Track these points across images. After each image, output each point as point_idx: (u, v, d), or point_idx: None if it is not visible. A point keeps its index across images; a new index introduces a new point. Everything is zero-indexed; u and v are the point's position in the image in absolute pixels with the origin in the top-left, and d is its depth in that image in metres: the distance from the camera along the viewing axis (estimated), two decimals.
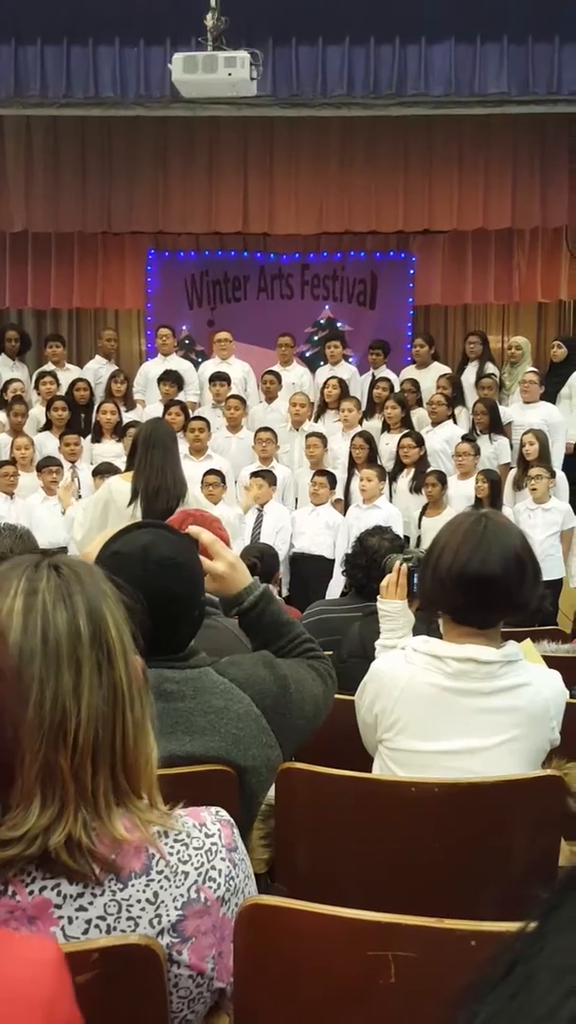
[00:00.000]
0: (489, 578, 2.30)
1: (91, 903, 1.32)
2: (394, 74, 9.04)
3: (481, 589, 2.32)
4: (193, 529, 2.37)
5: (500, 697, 2.34)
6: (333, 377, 9.52)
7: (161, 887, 1.36)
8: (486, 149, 10.45)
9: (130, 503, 4.51)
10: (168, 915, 1.36)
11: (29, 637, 1.32)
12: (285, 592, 7.50)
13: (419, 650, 2.41)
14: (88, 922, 1.32)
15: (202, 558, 2.26)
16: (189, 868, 1.39)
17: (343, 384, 9.39)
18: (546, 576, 7.12)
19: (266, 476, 7.95)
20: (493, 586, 2.32)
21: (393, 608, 3.03)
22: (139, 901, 1.34)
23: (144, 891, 1.35)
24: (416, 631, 2.96)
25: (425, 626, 2.99)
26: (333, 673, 2.37)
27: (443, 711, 2.34)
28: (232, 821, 1.51)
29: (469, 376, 9.70)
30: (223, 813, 1.51)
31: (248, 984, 1.40)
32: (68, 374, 10.01)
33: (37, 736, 1.29)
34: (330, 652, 3.67)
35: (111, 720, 1.34)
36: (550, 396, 9.12)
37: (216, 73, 7.67)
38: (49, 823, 1.28)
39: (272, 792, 2.35)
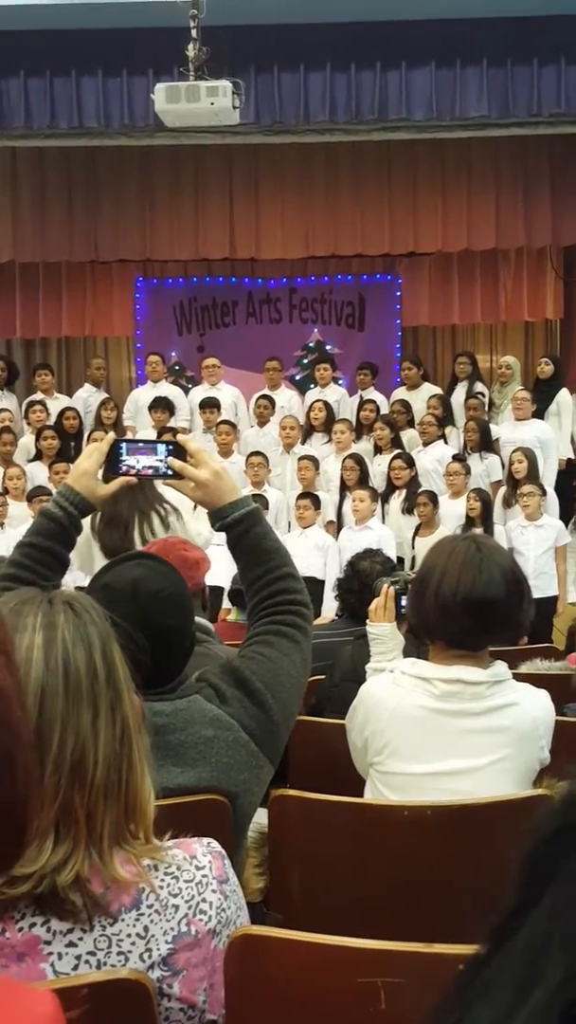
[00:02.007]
0: (493, 601, 2.32)
1: (81, 939, 1.32)
2: (376, 100, 9.12)
3: (486, 613, 2.33)
4: (181, 437, 2.38)
5: (489, 717, 2.34)
6: (319, 400, 9.55)
7: (151, 921, 1.36)
8: (469, 172, 10.54)
9: (92, 532, 4.45)
10: (159, 949, 1.36)
11: (51, 674, 1.32)
12: None
13: (407, 672, 2.41)
14: (78, 957, 1.32)
15: (186, 466, 2.26)
16: (179, 901, 1.39)
17: (329, 407, 9.42)
18: (540, 593, 7.23)
19: (258, 501, 7.95)
20: (497, 608, 2.33)
21: (382, 631, 3.04)
22: (129, 935, 1.34)
23: (134, 925, 1.35)
24: (407, 653, 2.97)
25: (416, 648, 3.00)
26: (308, 622, 2.27)
27: (432, 733, 2.35)
28: (223, 852, 1.50)
29: (459, 396, 9.74)
30: (214, 845, 1.50)
31: (240, 1015, 1.40)
32: (57, 403, 10.03)
33: (57, 775, 1.29)
34: (323, 676, 3.68)
35: (120, 759, 1.34)
36: (538, 413, 9.16)
37: (199, 102, 7.72)
38: (60, 862, 1.29)
39: (265, 819, 2.35)
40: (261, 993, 1.42)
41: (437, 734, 2.34)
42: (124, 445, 2.32)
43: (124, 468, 2.31)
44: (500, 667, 2.40)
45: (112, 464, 2.31)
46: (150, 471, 2.31)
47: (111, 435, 2.45)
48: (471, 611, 2.32)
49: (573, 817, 0.61)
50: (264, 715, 2.16)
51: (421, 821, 2.17)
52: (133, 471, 2.31)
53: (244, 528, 2.26)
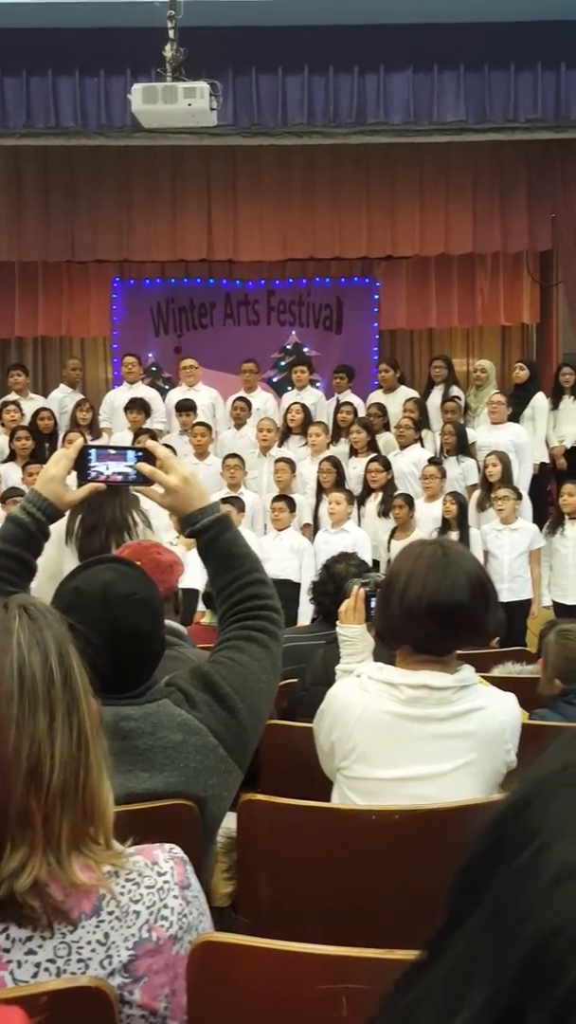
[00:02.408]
0: (458, 606, 2.31)
1: (40, 946, 1.31)
2: (354, 103, 9.14)
3: (451, 618, 2.32)
4: (150, 443, 2.37)
5: (455, 722, 2.34)
6: (296, 403, 9.55)
7: (112, 928, 1.35)
8: (446, 176, 10.57)
9: (67, 541, 4.42)
10: (119, 955, 1.35)
11: (6, 679, 1.31)
12: None
13: (374, 677, 2.41)
14: (37, 965, 1.31)
15: (156, 471, 2.25)
16: (140, 907, 1.38)
17: (306, 409, 9.43)
18: (515, 597, 7.27)
19: (234, 503, 7.95)
20: (462, 614, 2.32)
21: (352, 633, 3.04)
22: (89, 942, 1.33)
23: (94, 932, 1.34)
24: (378, 655, 2.96)
25: (387, 651, 2.99)
26: (279, 627, 2.27)
27: (399, 738, 2.34)
28: (185, 858, 1.50)
29: (435, 399, 9.77)
30: (176, 850, 1.50)
31: (201, 1021, 1.39)
32: (32, 403, 9.99)
33: (14, 780, 1.28)
34: (295, 680, 3.68)
35: (77, 763, 1.33)
36: (513, 417, 9.19)
37: (176, 103, 7.71)
38: (17, 867, 1.28)
39: (234, 824, 2.34)
40: (223, 1000, 1.41)
41: (403, 739, 2.34)
42: (93, 451, 2.31)
43: (93, 474, 2.30)
44: (467, 672, 2.40)
45: (81, 470, 2.30)
46: (119, 477, 2.30)
47: (79, 441, 2.46)
48: (436, 616, 2.31)
49: (503, 833, 0.61)
50: (233, 720, 2.15)
51: (389, 825, 2.17)
52: (102, 477, 2.30)
53: (213, 534, 2.25)
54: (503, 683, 3.29)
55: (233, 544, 2.27)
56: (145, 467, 2.25)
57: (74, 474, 2.33)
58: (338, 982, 1.31)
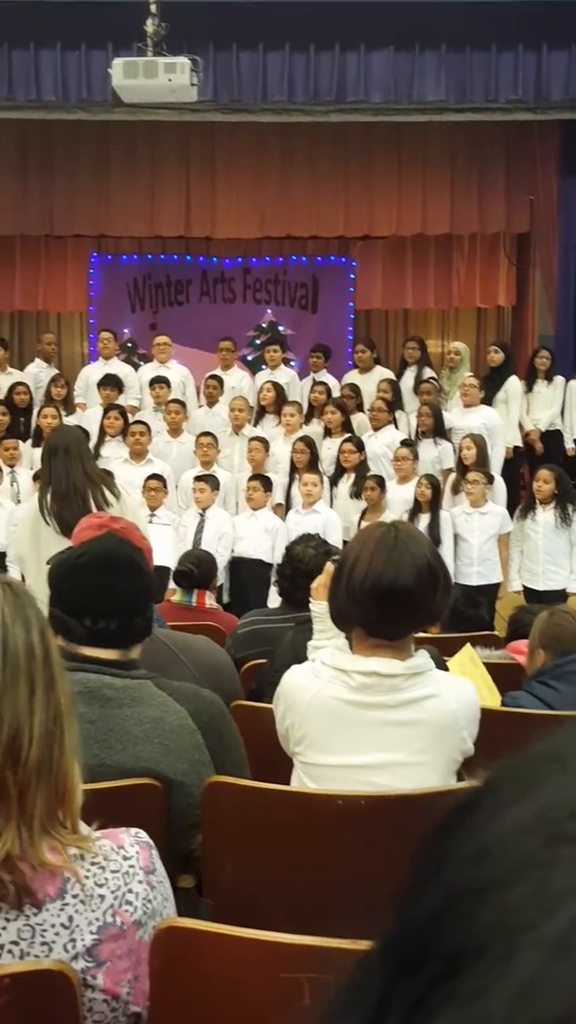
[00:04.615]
0: (402, 590, 2.27)
1: (4, 928, 1.32)
2: (334, 81, 9.09)
3: (394, 601, 2.28)
4: None
5: (405, 710, 2.31)
6: (268, 381, 9.53)
7: (76, 911, 1.36)
8: (424, 156, 10.56)
9: (42, 516, 4.42)
10: (83, 939, 1.36)
11: None
12: (226, 599, 7.48)
13: (326, 663, 2.40)
14: (0, 947, 1.32)
15: None
16: (105, 891, 1.39)
17: (279, 388, 9.39)
18: (483, 581, 7.31)
19: (208, 481, 7.94)
20: (406, 598, 2.28)
21: (323, 609, 3.04)
22: (53, 926, 1.35)
23: (59, 915, 1.35)
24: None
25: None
26: None
27: (349, 725, 2.33)
28: (151, 843, 1.51)
29: (408, 381, 9.76)
30: (142, 835, 1.51)
31: (163, 1007, 1.41)
32: (9, 377, 9.92)
33: None
34: (263, 661, 3.69)
35: (52, 739, 1.34)
36: (487, 400, 9.20)
37: (156, 79, 7.66)
38: None
39: None
40: (185, 985, 1.42)
41: (353, 726, 2.33)
42: None
43: None
44: (420, 658, 2.37)
45: None
46: None
47: None
48: (377, 599, 2.28)
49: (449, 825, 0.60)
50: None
51: (354, 811, 2.18)
52: None
53: None
54: None
55: None
56: None
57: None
58: (302, 971, 1.33)
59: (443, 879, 0.53)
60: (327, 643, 2.79)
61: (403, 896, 0.58)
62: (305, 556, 3.85)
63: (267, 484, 7.96)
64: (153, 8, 7.94)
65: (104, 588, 2.24)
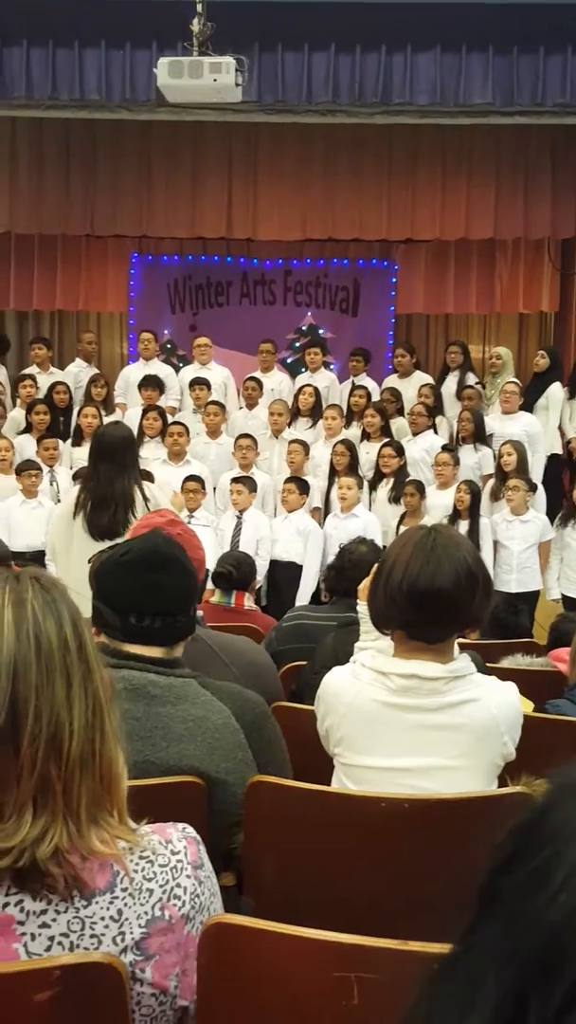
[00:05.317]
0: (439, 593, 2.26)
1: (54, 920, 1.32)
2: (379, 83, 9.05)
3: (431, 604, 2.28)
4: None
5: (445, 714, 2.30)
6: (308, 385, 9.51)
7: (125, 904, 1.36)
8: (469, 159, 10.50)
9: (75, 514, 4.43)
10: (132, 933, 1.36)
11: (23, 648, 1.32)
12: (264, 601, 7.48)
13: (366, 665, 2.39)
14: (51, 939, 1.31)
15: None
16: (154, 886, 1.39)
17: (317, 392, 9.38)
18: (523, 588, 7.25)
19: (246, 483, 7.94)
20: (444, 601, 2.28)
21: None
22: (103, 919, 1.34)
23: (108, 908, 1.35)
24: None
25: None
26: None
27: (388, 728, 2.32)
28: (199, 838, 1.50)
29: (450, 386, 9.73)
30: (190, 830, 1.50)
31: (211, 1002, 1.40)
32: (50, 377, 9.98)
33: (34, 747, 1.29)
34: (303, 663, 3.68)
35: (94, 730, 1.34)
36: (528, 406, 9.15)
37: (201, 78, 7.66)
38: (39, 835, 1.28)
39: None
40: (233, 981, 1.42)
41: (393, 729, 2.32)
42: None
43: None
44: (462, 662, 2.36)
45: None
46: None
47: None
48: (415, 601, 2.28)
49: (520, 841, 0.61)
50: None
51: (398, 813, 2.17)
52: None
53: None
54: (512, 675, 3.27)
55: None
56: None
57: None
58: (350, 970, 1.32)
59: (573, 887, 0.53)
60: (372, 644, 2.78)
61: (511, 903, 0.58)
62: (357, 551, 3.88)
63: (303, 487, 7.96)
64: (199, 8, 7.94)
65: (148, 586, 2.24)
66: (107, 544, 3.67)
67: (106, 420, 8.89)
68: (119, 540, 3.26)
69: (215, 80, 7.67)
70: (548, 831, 0.59)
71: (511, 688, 2.42)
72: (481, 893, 0.61)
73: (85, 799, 1.32)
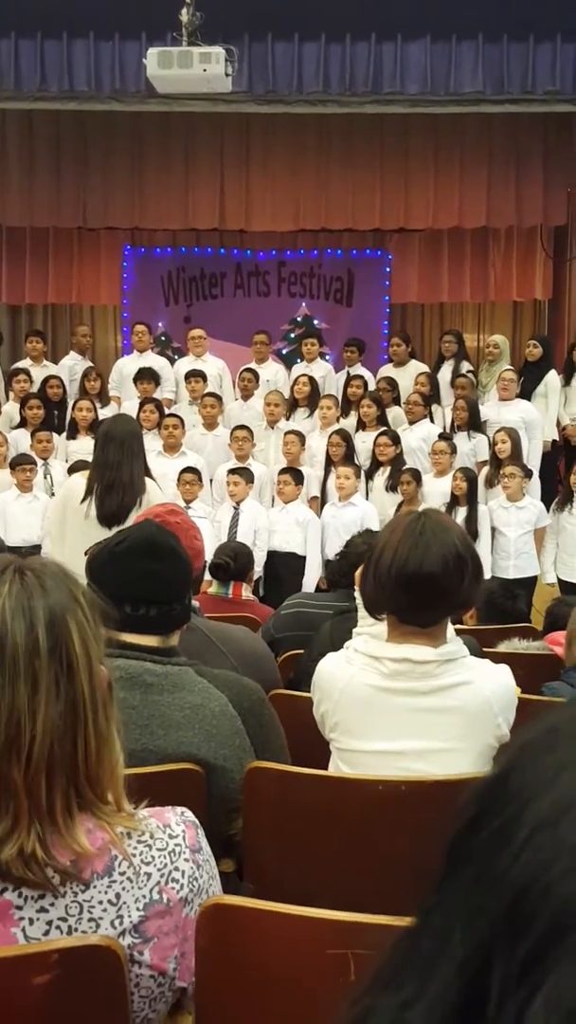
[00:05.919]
0: (428, 577, 2.27)
1: (52, 904, 1.32)
2: (370, 72, 9.03)
3: (420, 588, 2.29)
4: None
5: (438, 696, 2.31)
6: (304, 375, 9.51)
7: (123, 888, 1.36)
8: (461, 148, 10.49)
9: (84, 499, 4.47)
10: (130, 916, 1.36)
11: None
12: (262, 592, 7.49)
13: (359, 650, 2.40)
14: (49, 923, 1.32)
15: None
16: (152, 869, 1.39)
17: (313, 382, 9.38)
18: (520, 574, 7.27)
19: (243, 474, 7.94)
20: (432, 584, 2.29)
21: None
22: (101, 902, 1.34)
23: (106, 892, 1.35)
24: None
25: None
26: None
27: (382, 712, 2.33)
28: (197, 822, 1.51)
29: (445, 374, 9.73)
30: (188, 814, 1.51)
31: (210, 983, 1.41)
32: (44, 370, 9.96)
33: None
34: (301, 652, 3.68)
35: (71, 734, 1.31)
36: (525, 394, 9.15)
37: (191, 69, 7.66)
38: (3, 836, 1.28)
39: None
40: (231, 962, 1.42)
41: (386, 713, 2.33)
42: None
43: None
44: (454, 645, 2.37)
45: None
46: None
47: None
48: (403, 585, 2.29)
49: (484, 802, 0.62)
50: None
51: (394, 796, 2.18)
52: None
53: None
54: (509, 659, 3.28)
55: None
56: None
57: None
58: (347, 947, 1.32)
59: (535, 844, 0.54)
60: (368, 630, 2.79)
61: (476, 861, 0.59)
62: (359, 546, 3.89)
63: (298, 477, 7.96)
64: None
65: (143, 574, 2.24)
66: (108, 533, 3.69)
67: (102, 413, 8.90)
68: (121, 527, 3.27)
69: (204, 70, 7.67)
70: (511, 790, 0.60)
71: (504, 670, 2.43)
72: (449, 852, 0.62)
73: (59, 801, 1.30)
